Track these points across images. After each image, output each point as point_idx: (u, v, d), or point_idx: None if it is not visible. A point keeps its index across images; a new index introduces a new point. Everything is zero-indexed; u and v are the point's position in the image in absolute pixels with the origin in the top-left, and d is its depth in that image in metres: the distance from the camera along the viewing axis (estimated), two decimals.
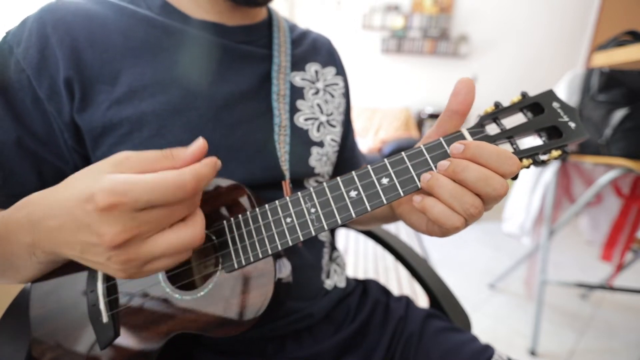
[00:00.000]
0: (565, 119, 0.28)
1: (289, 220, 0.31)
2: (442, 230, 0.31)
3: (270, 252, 0.31)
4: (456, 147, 0.27)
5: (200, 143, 0.27)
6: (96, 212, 0.23)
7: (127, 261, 0.25)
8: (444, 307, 0.56)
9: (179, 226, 0.26)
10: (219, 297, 0.33)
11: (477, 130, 0.29)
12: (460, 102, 0.29)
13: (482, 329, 1.37)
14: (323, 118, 0.49)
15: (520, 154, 0.28)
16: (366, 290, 0.56)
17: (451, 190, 0.27)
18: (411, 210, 0.35)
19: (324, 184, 0.31)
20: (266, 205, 0.32)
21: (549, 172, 1.28)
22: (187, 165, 0.26)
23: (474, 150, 0.27)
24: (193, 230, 0.27)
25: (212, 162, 0.27)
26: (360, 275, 1.23)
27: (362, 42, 3.40)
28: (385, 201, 0.29)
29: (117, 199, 0.22)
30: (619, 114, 1.03)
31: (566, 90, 1.17)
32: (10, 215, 0.29)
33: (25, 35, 0.36)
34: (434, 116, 3.16)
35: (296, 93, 0.48)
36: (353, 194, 0.30)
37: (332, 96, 0.52)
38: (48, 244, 0.27)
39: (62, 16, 0.37)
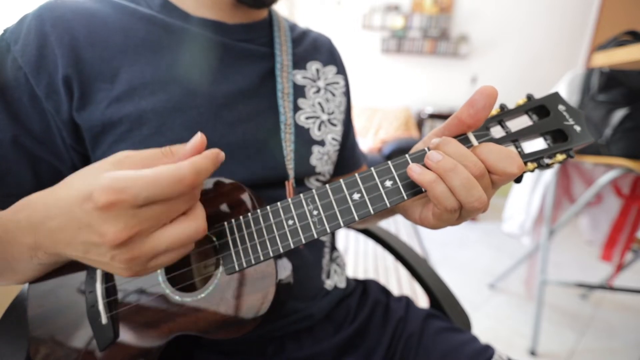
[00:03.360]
0: (571, 122, 0.28)
1: (291, 222, 0.31)
2: (435, 219, 0.29)
3: (271, 254, 0.31)
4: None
5: (198, 138, 0.27)
6: (96, 210, 0.22)
7: (131, 259, 0.24)
8: (444, 307, 0.55)
9: (180, 220, 0.26)
10: (220, 299, 0.33)
11: (483, 133, 0.29)
12: (471, 115, 0.27)
13: (482, 329, 1.37)
14: (324, 117, 0.49)
15: (525, 157, 0.28)
16: (366, 291, 0.56)
17: (463, 178, 0.26)
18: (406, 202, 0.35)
19: (327, 186, 0.30)
20: (268, 207, 0.32)
21: (549, 172, 1.28)
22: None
23: (480, 150, 0.27)
24: (195, 223, 0.26)
25: (212, 155, 0.26)
26: (360, 275, 1.23)
27: (362, 42, 3.40)
28: (388, 204, 0.29)
29: (116, 196, 0.22)
30: (619, 114, 1.02)
31: (566, 90, 1.16)
32: (10, 217, 0.29)
33: (24, 33, 0.36)
34: (434, 116, 3.16)
35: (298, 91, 0.47)
36: (356, 196, 0.29)
37: (333, 95, 0.52)
38: (50, 245, 0.27)
39: (62, 14, 0.36)
